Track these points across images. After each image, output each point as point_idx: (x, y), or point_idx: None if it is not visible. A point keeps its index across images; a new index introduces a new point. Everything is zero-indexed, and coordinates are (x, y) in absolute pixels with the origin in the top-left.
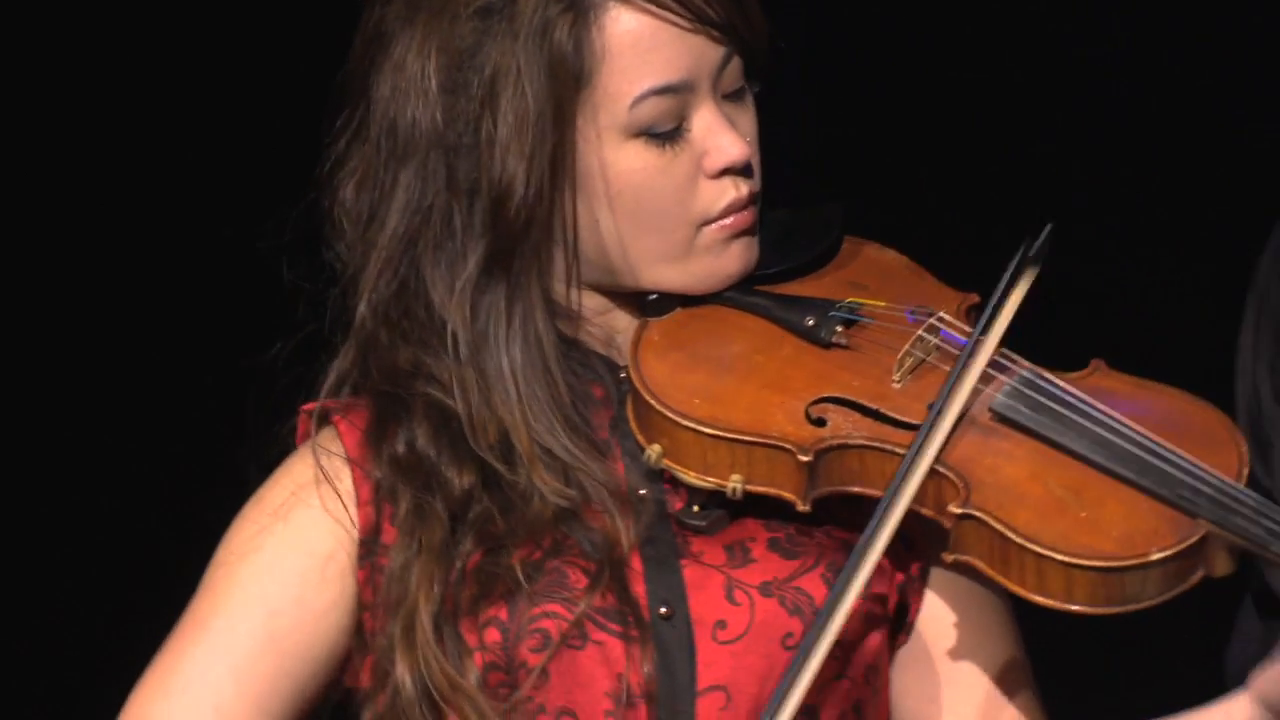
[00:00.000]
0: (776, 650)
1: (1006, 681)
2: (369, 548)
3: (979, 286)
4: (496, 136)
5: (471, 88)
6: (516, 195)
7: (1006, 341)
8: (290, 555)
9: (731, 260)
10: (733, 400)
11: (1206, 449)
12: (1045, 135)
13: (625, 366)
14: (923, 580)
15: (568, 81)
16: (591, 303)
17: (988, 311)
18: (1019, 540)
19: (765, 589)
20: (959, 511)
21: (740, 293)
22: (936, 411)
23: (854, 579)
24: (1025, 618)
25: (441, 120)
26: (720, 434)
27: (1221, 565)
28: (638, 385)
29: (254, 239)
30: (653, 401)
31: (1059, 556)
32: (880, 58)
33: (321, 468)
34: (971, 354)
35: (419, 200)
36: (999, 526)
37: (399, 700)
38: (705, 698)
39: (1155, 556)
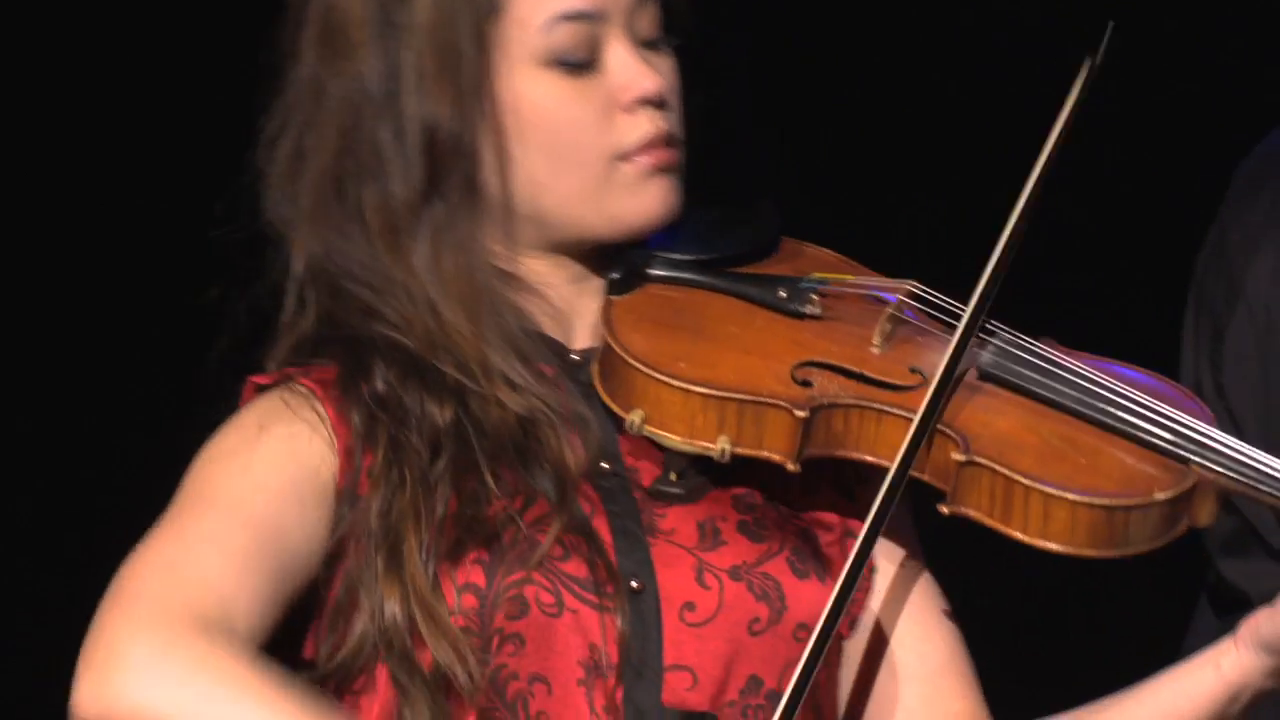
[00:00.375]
0: (743, 635)
1: (947, 675)
2: (350, 480)
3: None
4: (421, 71)
5: (396, 28)
6: (443, 127)
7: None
8: (284, 461)
9: (650, 199)
10: (717, 362)
11: (1169, 402)
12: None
13: (578, 350)
14: (869, 575)
15: (484, 11)
16: (538, 276)
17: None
18: (1027, 482)
19: (735, 573)
20: (963, 459)
21: (700, 274)
22: (945, 368)
23: (872, 541)
24: (985, 610)
25: (369, 63)
26: (710, 393)
27: (1206, 514)
28: (616, 349)
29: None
30: (635, 363)
31: (1068, 495)
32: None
33: (291, 402)
34: (982, 306)
35: (352, 144)
36: (1005, 471)
37: (383, 632)
38: (671, 674)
39: (1159, 497)
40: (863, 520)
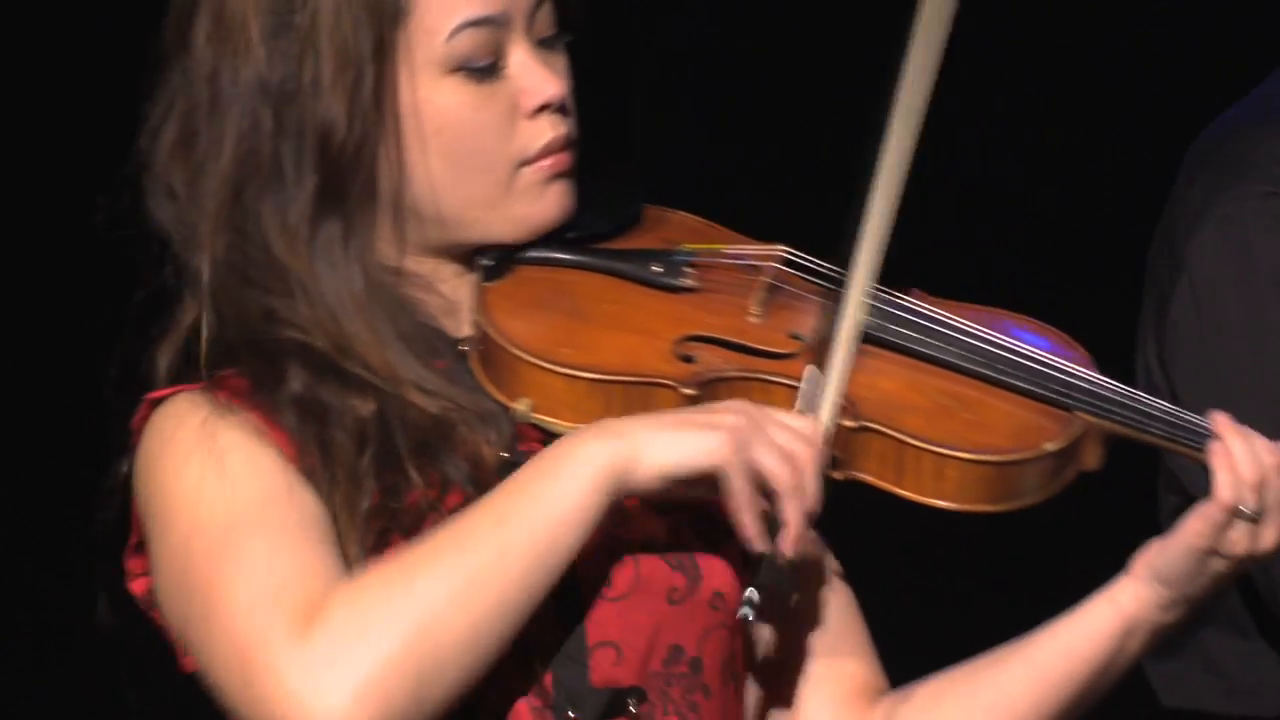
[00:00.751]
0: (662, 605)
1: (843, 637)
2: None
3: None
4: (319, 76)
5: (292, 29)
6: (340, 133)
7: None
8: (257, 458)
9: (550, 204)
10: (599, 345)
11: (1052, 353)
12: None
13: (463, 337)
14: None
15: (386, 17)
16: (423, 270)
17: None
18: (917, 444)
19: (647, 545)
20: (852, 425)
21: (572, 253)
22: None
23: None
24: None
25: (264, 65)
26: (596, 377)
27: (1093, 458)
28: (497, 340)
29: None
30: (518, 353)
31: (959, 454)
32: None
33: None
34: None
35: (247, 148)
36: (895, 434)
37: None
38: (597, 652)
39: (1048, 448)
40: None
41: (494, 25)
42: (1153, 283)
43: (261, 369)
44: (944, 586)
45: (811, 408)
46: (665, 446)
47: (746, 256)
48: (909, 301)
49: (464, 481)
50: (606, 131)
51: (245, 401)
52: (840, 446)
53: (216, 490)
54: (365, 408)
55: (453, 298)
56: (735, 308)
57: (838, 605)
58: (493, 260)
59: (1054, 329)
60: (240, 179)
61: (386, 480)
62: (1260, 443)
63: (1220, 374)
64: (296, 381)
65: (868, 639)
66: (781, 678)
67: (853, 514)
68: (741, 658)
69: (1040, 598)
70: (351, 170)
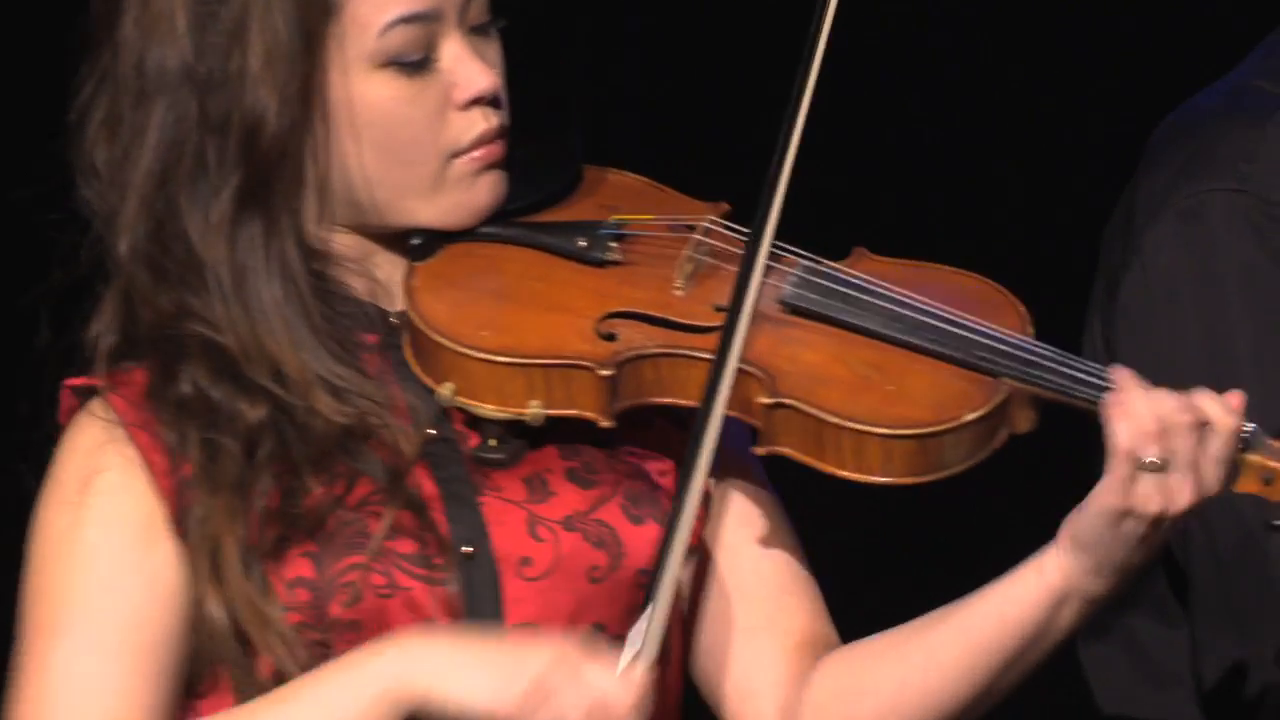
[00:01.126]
0: (584, 585)
1: (788, 593)
2: (178, 503)
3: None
4: (246, 69)
5: (220, 20)
6: (268, 128)
7: (781, 235)
8: (113, 529)
9: (481, 193)
10: (520, 327)
11: (987, 313)
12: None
13: (396, 312)
14: (706, 505)
15: (316, 11)
16: (352, 247)
17: (772, 201)
18: (835, 420)
19: (568, 523)
20: (769, 401)
21: (500, 228)
22: (735, 307)
23: (689, 495)
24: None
25: (191, 54)
26: (515, 361)
27: (1024, 421)
28: (420, 325)
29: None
30: (440, 339)
31: (877, 430)
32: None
33: (102, 438)
34: (757, 242)
35: (171, 138)
36: (812, 410)
37: (211, 636)
38: (516, 634)
39: (969, 418)
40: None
41: (426, 20)
42: (1106, 264)
43: (159, 366)
44: (894, 554)
45: (642, 650)
46: (460, 683)
47: (674, 224)
48: (832, 268)
49: (378, 476)
50: (542, 96)
51: (135, 412)
52: (761, 421)
53: (66, 560)
54: (255, 414)
55: (385, 275)
56: (660, 280)
57: (783, 561)
58: (421, 239)
59: (994, 285)
60: (163, 170)
61: (284, 483)
62: (1164, 395)
63: (1170, 366)
64: (187, 384)
65: (814, 592)
66: (723, 631)
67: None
68: (677, 640)
69: (991, 567)
70: (277, 165)
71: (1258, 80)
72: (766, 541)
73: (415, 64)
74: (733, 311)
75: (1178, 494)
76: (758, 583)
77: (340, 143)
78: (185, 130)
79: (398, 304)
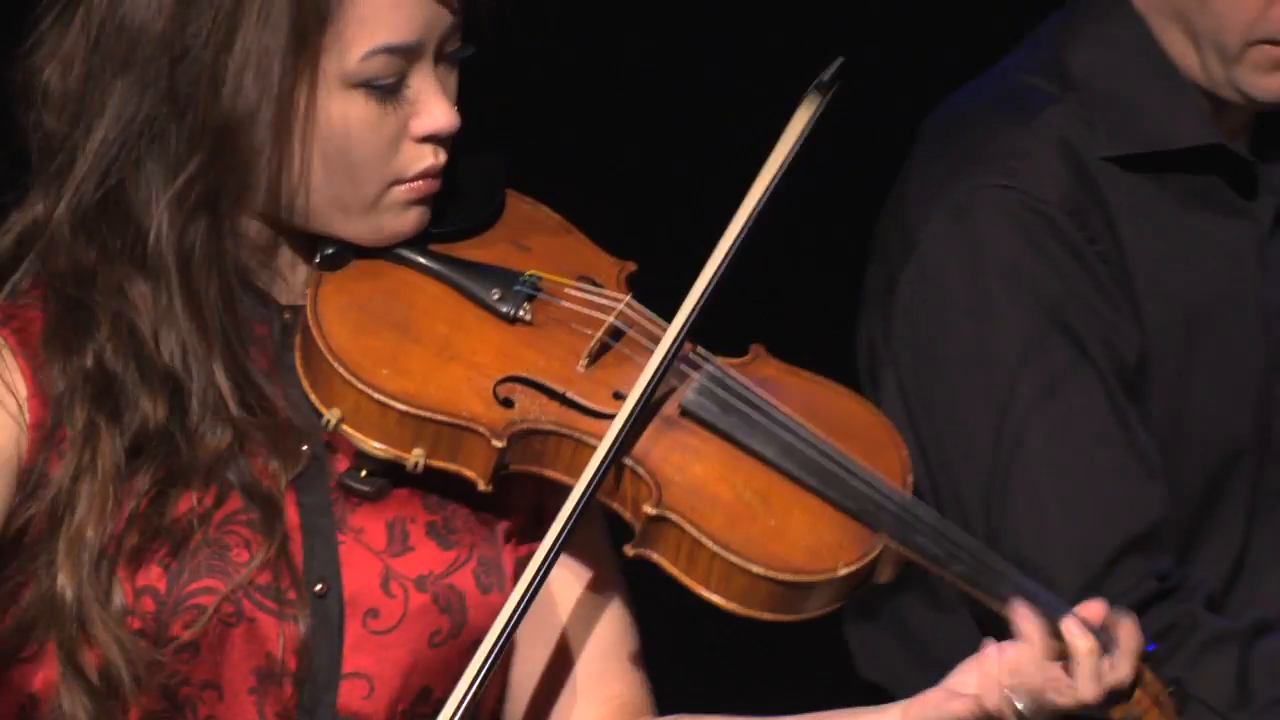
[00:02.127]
0: (423, 647)
1: (611, 658)
2: (39, 456)
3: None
4: (229, 58)
5: (200, 8)
6: (238, 120)
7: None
8: None
9: (408, 222)
10: (421, 374)
11: (872, 452)
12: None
13: (290, 307)
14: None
15: (312, 19)
16: (260, 234)
17: (691, 307)
18: (712, 547)
19: (420, 583)
20: (653, 512)
21: (417, 253)
22: (632, 406)
23: (541, 571)
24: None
25: (173, 27)
26: (409, 411)
27: (887, 574)
28: (319, 345)
29: None
30: (339, 368)
31: (751, 568)
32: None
33: None
34: (677, 346)
35: (135, 109)
36: (693, 531)
37: (52, 607)
38: (348, 681)
39: (842, 572)
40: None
41: (408, 51)
42: (882, 256)
43: (66, 327)
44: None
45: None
46: None
47: (591, 296)
48: (738, 381)
49: (248, 498)
50: (473, 121)
51: (24, 350)
52: (639, 526)
53: None
54: (157, 413)
55: (286, 269)
56: (566, 351)
57: (611, 626)
58: (334, 250)
59: (881, 418)
60: (124, 141)
61: (156, 490)
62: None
63: (942, 361)
64: (91, 357)
65: (637, 659)
66: (545, 687)
67: None
68: (492, 688)
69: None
70: (236, 157)
71: (1028, 75)
72: (598, 605)
73: (385, 88)
74: (624, 421)
75: None
76: (585, 645)
77: (296, 148)
78: (151, 104)
79: (294, 298)
